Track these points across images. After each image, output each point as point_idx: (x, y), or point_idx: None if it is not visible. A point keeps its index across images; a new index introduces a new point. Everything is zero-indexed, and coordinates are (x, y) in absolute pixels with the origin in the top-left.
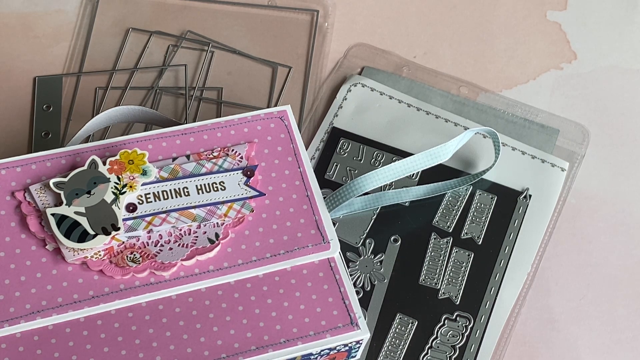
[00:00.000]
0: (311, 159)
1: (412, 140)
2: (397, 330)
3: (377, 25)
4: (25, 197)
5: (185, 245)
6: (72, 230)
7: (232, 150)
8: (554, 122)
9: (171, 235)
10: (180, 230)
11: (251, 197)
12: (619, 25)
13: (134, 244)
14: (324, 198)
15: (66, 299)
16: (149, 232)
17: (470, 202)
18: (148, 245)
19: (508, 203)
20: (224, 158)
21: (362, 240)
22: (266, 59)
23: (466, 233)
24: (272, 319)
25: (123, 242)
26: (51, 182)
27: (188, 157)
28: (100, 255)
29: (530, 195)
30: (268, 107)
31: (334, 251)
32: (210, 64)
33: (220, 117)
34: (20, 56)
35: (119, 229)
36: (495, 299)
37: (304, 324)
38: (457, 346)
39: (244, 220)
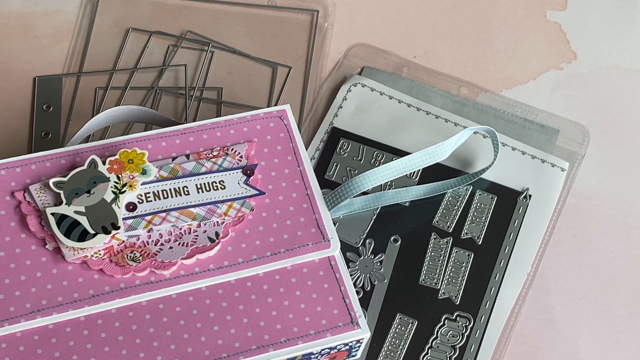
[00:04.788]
0: (311, 159)
1: (412, 141)
2: (397, 330)
3: (377, 25)
4: (25, 197)
5: (185, 244)
6: (72, 229)
7: (232, 149)
8: (554, 122)
9: (171, 234)
10: (180, 229)
11: (251, 196)
12: (619, 25)
13: (134, 243)
14: (324, 197)
15: (66, 298)
16: (149, 231)
17: (470, 202)
18: (148, 244)
19: (508, 203)
20: (223, 157)
21: (362, 240)
22: (266, 59)
23: (466, 233)
24: (272, 318)
25: (123, 241)
26: (51, 181)
27: (188, 156)
28: (100, 254)
29: (530, 195)
30: (268, 107)
31: (334, 249)
32: (210, 64)
33: (220, 117)
34: (20, 56)
35: (119, 228)
36: (495, 299)
37: (304, 323)
38: (457, 346)
39: (244, 219)
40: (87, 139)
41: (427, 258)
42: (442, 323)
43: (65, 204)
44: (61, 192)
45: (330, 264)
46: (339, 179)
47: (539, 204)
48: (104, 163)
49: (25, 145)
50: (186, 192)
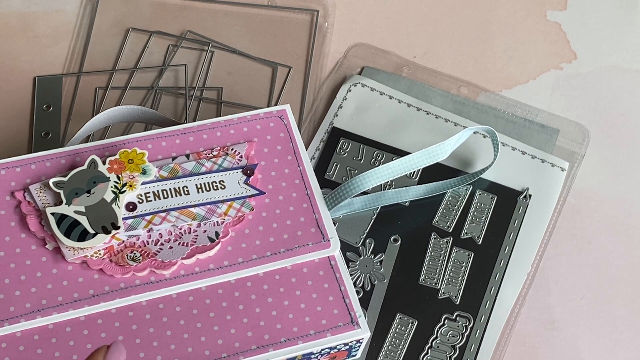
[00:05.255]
0: (311, 159)
1: (412, 140)
2: (397, 330)
3: (377, 25)
4: (25, 197)
5: (185, 244)
6: (72, 229)
7: (232, 149)
8: (554, 122)
9: (171, 234)
10: (180, 229)
11: (251, 196)
12: (619, 25)
13: (134, 242)
14: (324, 197)
15: (66, 298)
16: (149, 231)
17: (470, 202)
18: (148, 244)
19: (508, 203)
20: (223, 157)
21: (362, 240)
22: (266, 59)
23: (466, 233)
24: (272, 317)
25: (123, 241)
26: (51, 181)
27: (187, 156)
28: (100, 254)
29: (530, 195)
30: (268, 107)
31: (334, 249)
32: (210, 64)
33: (220, 117)
34: (20, 56)
35: (119, 227)
36: (495, 299)
37: (304, 323)
38: (457, 346)
39: (244, 218)
40: (87, 139)
41: (427, 258)
42: (442, 323)
43: (65, 204)
44: (61, 192)
45: (330, 264)
46: (339, 179)
47: (539, 204)
48: (104, 163)
49: (25, 145)
50: (186, 192)
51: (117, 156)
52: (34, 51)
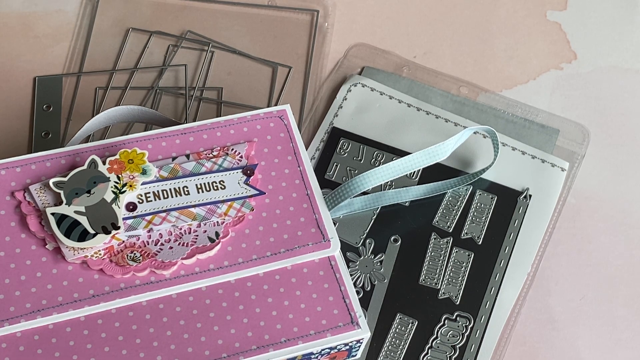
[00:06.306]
0: (311, 159)
1: (412, 141)
2: (397, 330)
3: (377, 25)
4: (25, 197)
5: (185, 244)
6: (72, 229)
7: (232, 149)
8: (554, 122)
9: (171, 234)
10: (181, 229)
11: (251, 196)
12: (619, 25)
13: (134, 243)
14: (324, 197)
15: (66, 298)
16: (149, 231)
17: (470, 202)
18: (148, 244)
19: (508, 203)
20: (223, 157)
21: (362, 240)
22: (266, 59)
23: (466, 233)
24: (272, 318)
25: (123, 241)
26: (51, 181)
27: (188, 156)
28: (100, 254)
29: (530, 195)
30: (268, 107)
31: (334, 249)
32: (210, 64)
33: (220, 117)
34: (20, 56)
35: (119, 227)
36: (495, 299)
37: (304, 323)
38: (457, 346)
39: (244, 219)
40: (87, 139)
41: (427, 258)
42: (442, 323)
43: (65, 204)
44: (61, 192)
45: (330, 264)
46: (339, 179)
47: (539, 204)
48: (104, 163)
49: (25, 145)
50: (186, 192)
51: (117, 156)
52: (34, 51)
